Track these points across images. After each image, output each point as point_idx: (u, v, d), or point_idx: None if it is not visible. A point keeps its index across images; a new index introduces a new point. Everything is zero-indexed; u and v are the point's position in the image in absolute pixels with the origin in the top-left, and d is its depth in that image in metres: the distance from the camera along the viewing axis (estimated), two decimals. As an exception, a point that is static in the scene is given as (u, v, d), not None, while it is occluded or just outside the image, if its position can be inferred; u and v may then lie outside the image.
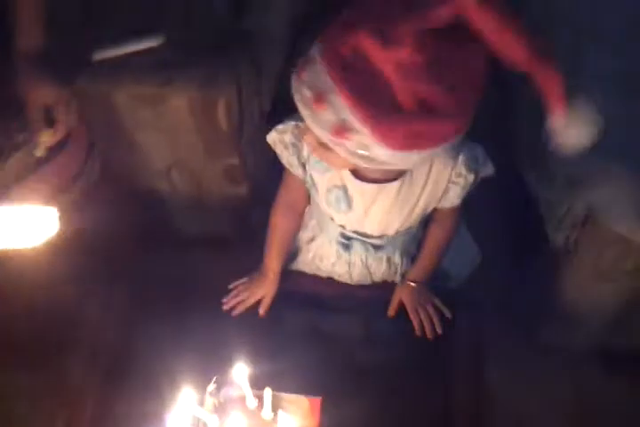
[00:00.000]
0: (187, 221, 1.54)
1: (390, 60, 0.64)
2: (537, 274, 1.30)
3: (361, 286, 1.13)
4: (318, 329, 1.09)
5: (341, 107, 0.68)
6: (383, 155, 0.72)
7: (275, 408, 0.92)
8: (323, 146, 0.77)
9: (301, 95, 0.70)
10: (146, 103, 1.19)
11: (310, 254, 1.11)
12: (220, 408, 0.93)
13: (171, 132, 1.25)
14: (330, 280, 1.15)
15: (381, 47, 0.63)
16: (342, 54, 0.66)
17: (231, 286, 1.13)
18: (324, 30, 0.71)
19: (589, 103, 0.72)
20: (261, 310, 1.10)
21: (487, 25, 0.64)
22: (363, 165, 0.76)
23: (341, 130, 0.70)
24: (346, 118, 0.68)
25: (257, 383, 0.93)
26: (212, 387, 0.93)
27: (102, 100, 1.21)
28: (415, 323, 1.08)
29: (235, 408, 0.93)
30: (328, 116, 0.69)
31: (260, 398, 0.93)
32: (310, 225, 1.09)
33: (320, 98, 0.68)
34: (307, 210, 1.09)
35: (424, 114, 0.66)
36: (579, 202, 1.05)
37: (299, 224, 1.09)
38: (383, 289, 1.12)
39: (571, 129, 0.72)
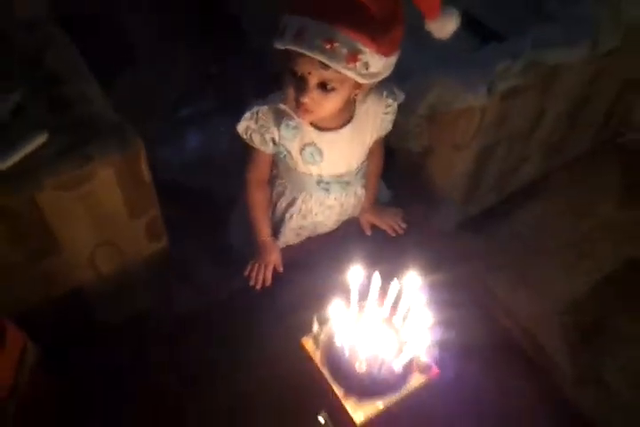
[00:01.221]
0: (109, 310, 1.52)
1: None
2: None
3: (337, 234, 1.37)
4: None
5: (350, 41, 0.94)
6: (378, 65, 0.98)
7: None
8: (321, 88, 1.01)
9: (314, 44, 0.94)
10: (69, 189, 1.19)
11: (293, 221, 1.29)
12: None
13: (95, 210, 1.26)
14: (311, 239, 1.36)
15: None
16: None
17: (246, 273, 1.25)
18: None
19: (453, 10, 1.11)
20: (279, 269, 1.27)
21: None
22: (362, 80, 1.00)
23: (353, 55, 0.95)
24: (354, 46, 0.94)
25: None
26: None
27: (26, 207, 1.17)
28: (387, 228, 1.37)
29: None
30: (340, 49, 0.94)
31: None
32: (285, 195, 1.27)
33: (332, 40, 0.93)
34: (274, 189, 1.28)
35: (392, 24, 0.97)
36: (424, 105, 1.47)
37: (269, 193, 1.27)
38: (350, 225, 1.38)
39: (443, 27, 1.11)
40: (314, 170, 1.21)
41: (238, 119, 1.15)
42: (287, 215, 1.29)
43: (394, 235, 1.36)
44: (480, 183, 1.79)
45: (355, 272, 0.95)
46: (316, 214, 1.29)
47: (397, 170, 1.66)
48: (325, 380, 1.00)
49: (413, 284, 0.95)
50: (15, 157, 1.18)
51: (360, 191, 1.32)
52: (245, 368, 1.14)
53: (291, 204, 1.27)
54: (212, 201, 1.82)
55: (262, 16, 1.90)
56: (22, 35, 1.41)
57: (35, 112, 1.25)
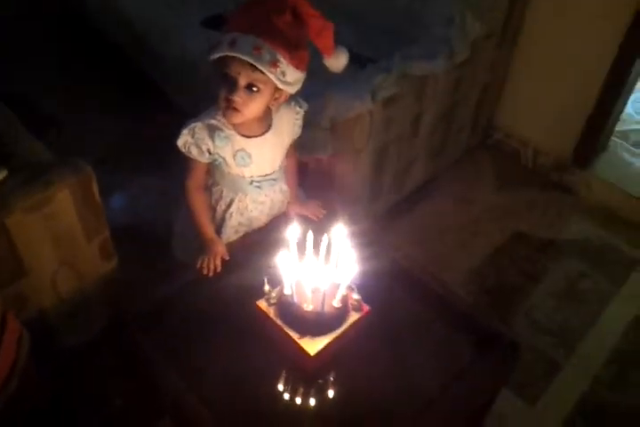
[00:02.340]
0: (69, 330, 1.66)
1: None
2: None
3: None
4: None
5: (271, 50, 1.22)
6: (292, 76, 1.26)
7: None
8: (248, 89, 1.26)
9: (245, 49, 1.21)
10: (34, 211, 1.36)
11: (232, 219, 1.52)
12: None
13: (55, 230, 1.43)
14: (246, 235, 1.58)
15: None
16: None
17: (197, 266, 1.44)
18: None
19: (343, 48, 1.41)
20: (226, 257, 1.46)
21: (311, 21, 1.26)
22: (280, 86, 1.27)
23: (274, 62, 1.22)
24: (274, 55, 1.23)
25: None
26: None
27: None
28: (311, 215, 1.61)
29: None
30: (265, 55, 1.22)
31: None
32: (222, 198, 1.50)
33: (259, 48, 1.21)
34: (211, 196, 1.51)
35: (301, 45, 1.27)
36: (325, 119, 1.77)
37: (207, 197, 1.49)
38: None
39: (337, 61, 1.41)
40: (246, 172, 1.46)
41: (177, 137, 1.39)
42: (227, 215, 1.52)
43: (316, 219, 1.62)
44: (381, 184, 2.10)
45: (293, 229, 1.21)
46: (251, 211, 1.53)
47: (309, 179, 1.95)
48: (280, 328, 1.23)
49: (340, 234, 1.21)
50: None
51: (284, 188, 1.57)
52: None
53: (229, 204, 1.51)
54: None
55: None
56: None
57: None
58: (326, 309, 1.20)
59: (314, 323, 1.20)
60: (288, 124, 1.47)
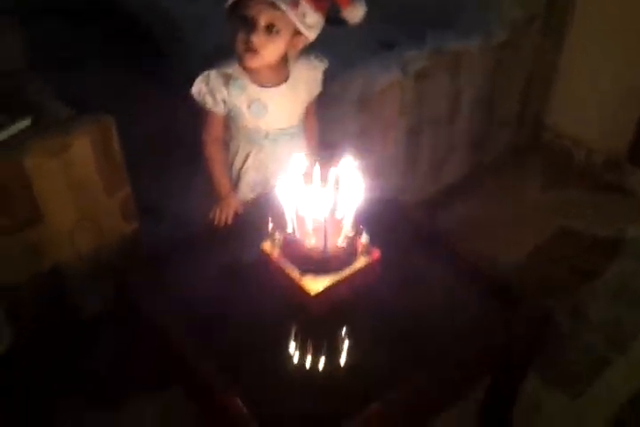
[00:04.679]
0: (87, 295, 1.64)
1: None
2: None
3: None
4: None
5: None
6: (312, 18, 1.26)
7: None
8: (268, 31, 1.26)
9: None
10: (53, 155, 1.39)
11: (248, 175, 1.49)
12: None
13: (74, 180, 1.44)
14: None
15: None
16: None
17: (211, 216, 1.43)
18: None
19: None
20: (240, 211, 1.45)
21: None
22: (300, 27, 1.27)
23: (295, 3, 1.23)
24: None
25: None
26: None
27: (15, 173, 1.36)
28: None
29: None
30: None
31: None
32: (239, 153, 1.48)
33: None
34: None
35: None
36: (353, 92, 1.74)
37: (224, 150, 1.47)
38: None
39: (355, 12, 1.40)
40: (261, 124, 1.43)
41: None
42: (243, 171, 1.49)
43: None
44: (415, 171, 2.03)
45: (299, 158, 1.16)
46: (267, 167, 1.50)
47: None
48: (282, 268, 1.16)
49: (350, 165, 1.15)
50: (1, 136, 1.38)
51: (303, 146, 1.53)
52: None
53: (245, 159, 1.48)
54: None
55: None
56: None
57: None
58: (330, 247, 1.13)
59: (316, 261, 1.14)
60: (307, 79, 1.45)
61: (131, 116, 1.98)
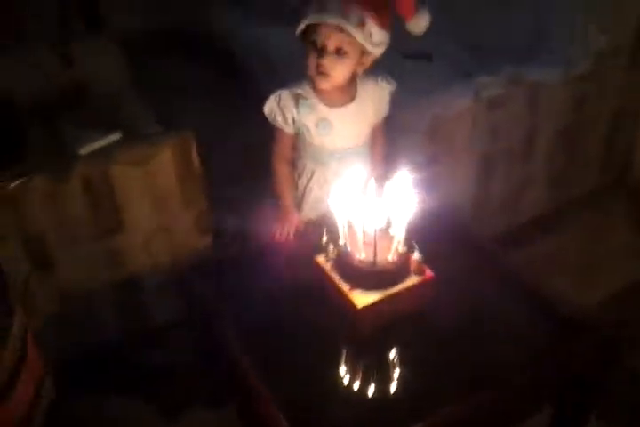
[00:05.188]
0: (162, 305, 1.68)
1: None
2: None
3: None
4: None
5: (358, 11, 1.27)
6: (378, 36, 1.30)
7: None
8: (338, 54, 1.31)
9: (335, 10, 1.27)
10: (136, 165, 1.48)
11: (312, 194, 1.53)
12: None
13: (154, 190, 1.53)
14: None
15: None
16: None
17: (273, 232, 1.48)
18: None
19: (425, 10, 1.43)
20: (300, 228, 1.49)
21: None
22: (367, 46, 1.31)
23: (362, 22, 1.27)
24: (361, 16, 1.28)
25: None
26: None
27: (101, 180, 1.46)
28: None
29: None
30: (353, 16, 1.27)
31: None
32: (305, 171, 1.52)
33: (347, 6, 1.27)
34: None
35: (385, 8, 1.30)
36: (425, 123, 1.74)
37: (291, 168, 1.52)
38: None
39: (419, 23, 1.42)
40: (327, 142, 1.47)
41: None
42: (307, 189, 1.53)
43: None
44: (487, 204, 1.97)
45: (356, 171, 1.16)
46: (331, 185, 1.50)
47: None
48: (333, 281, 1.16)
49: (405, 180, 1.14)
50: (91, 147, 1.49)
51: (369, 166, 1.53)
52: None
53: (310, 177, 1.52)
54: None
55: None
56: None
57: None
58: (380, 261, 1.11)
59: (365, 275, 1.12)
60: (374, 99, 1.48)
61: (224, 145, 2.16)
